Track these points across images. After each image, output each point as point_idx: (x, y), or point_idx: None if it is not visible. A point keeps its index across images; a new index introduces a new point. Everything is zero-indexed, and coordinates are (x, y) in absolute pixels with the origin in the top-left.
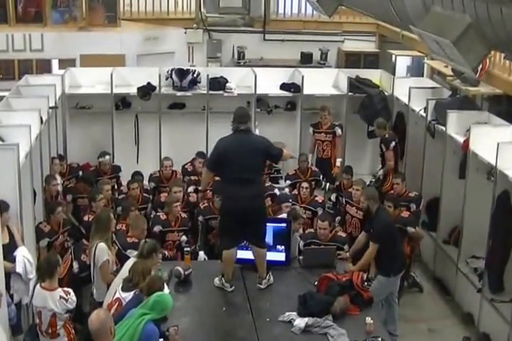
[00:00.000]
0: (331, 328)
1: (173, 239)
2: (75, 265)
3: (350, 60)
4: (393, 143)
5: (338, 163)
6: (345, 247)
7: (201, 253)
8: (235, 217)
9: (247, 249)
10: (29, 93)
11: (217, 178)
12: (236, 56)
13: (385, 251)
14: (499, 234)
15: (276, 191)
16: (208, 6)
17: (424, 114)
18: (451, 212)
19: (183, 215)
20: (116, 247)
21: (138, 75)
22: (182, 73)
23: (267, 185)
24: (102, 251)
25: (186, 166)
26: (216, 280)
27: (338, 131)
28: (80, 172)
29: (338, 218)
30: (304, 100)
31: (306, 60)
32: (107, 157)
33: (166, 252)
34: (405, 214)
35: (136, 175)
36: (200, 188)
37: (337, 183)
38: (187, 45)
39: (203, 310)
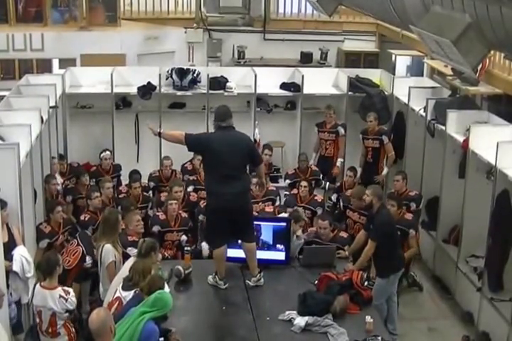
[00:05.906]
0: (331, 327)
1: (172, 239)
2: (89, 260)
3: (350, 59)
4: (391, 135)
5: (338, 163)
6: (346, 247)
7: (203, 244)
8: (222, 214)
9: (239, 248)
10: (29, 92)
11: None
12: (236, 56)
13: (384, 250)
14: (499, 233)
15: (281, 193)
16: (208, 5)
17: (423, 114)
18: (451, 211)
19: (183, 215)
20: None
21: (138, 75)
22: (182, 73)
23: (270, 188)
24: (108, 253)
25: (186, 165)
26: (210, 278)
27: (341, 130)
28: None
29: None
30: (303, 100)
31: (306, 59)
32: (108, 152)
33: (166, 253)
34: (408, 216)
35: (135, 174)
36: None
37: (338, 184)
38: (187, 45)
39: (203, 309)
